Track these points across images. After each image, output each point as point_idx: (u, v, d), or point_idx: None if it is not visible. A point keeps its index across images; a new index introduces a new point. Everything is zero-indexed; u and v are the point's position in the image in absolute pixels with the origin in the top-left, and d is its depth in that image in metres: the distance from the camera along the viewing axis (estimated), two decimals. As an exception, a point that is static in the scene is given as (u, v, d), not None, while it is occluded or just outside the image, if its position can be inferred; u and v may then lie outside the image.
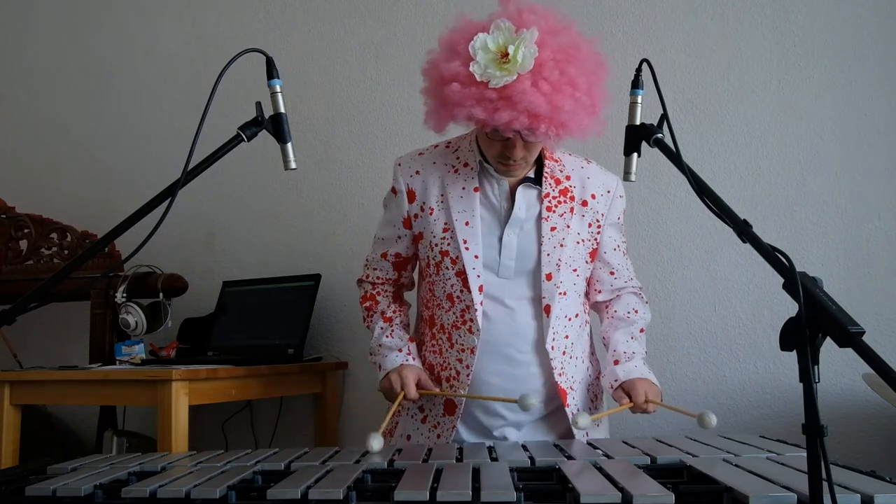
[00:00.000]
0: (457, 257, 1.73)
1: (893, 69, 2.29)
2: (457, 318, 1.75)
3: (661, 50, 2.48)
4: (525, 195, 1.75)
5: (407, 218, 1.82)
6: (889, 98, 2.29)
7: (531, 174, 1.76)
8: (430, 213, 1.77)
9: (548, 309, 1.72)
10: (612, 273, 1.86)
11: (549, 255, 1.73)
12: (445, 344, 1.77)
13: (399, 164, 1.84)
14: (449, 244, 1.74)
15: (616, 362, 1.78)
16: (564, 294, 1.75)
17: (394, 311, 1.88)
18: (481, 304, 1.72)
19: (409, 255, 1.88)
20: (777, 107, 2.38)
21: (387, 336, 1.82)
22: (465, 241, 1.73)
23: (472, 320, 1.72)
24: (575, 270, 1.77)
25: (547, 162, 1.78)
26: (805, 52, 2.37)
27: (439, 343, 1.79)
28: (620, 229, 1.87)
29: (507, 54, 1.52)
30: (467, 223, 1.74)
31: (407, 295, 2.00)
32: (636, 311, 1.86)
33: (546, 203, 1.75)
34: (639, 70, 1.40)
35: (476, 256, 1.72)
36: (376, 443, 1.48)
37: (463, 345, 1.74)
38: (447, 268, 1.75)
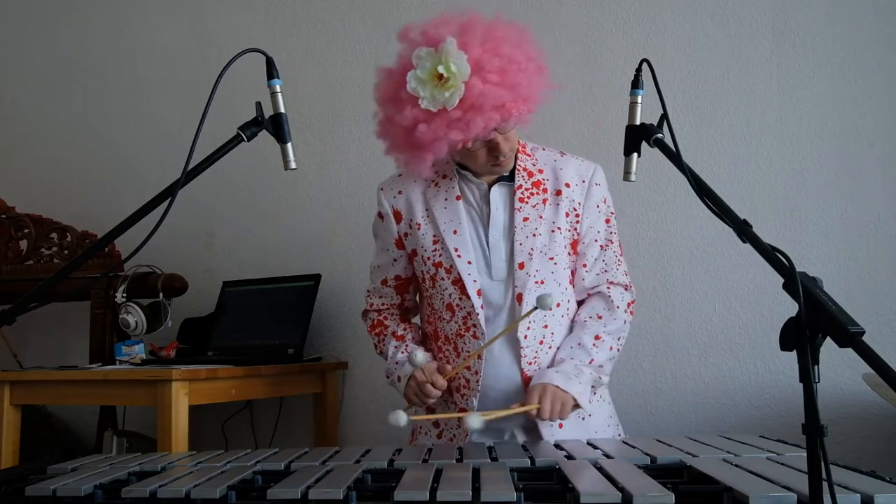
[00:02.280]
0: (451, 266, 1.75)
1: (893, 69, 2.29)
2: (459, 326, 1.75)
3: (661, 50, 2.48)
4: (500, 193, 1.76)
5: (398, 239, 1.84)
6: (889, 98, 2.29)
7: (505, 172, 1.77)
8: (418, 229, 1.79)
9: (520, 297, 1.72)
10: (584, 266, 1.81)
11: (521, 244, 1.73)
12: (452, 354, 1.78)
13: (381, 189, 1.87)
14: (441, 255, 1.76)
15: (549, 366, 1.75)
16: (542, 283, 1.74)
17: (404, 330, 1.89)
18: (482, 307, 1.73)
19: (409, 276, 1.88)
20: (777, 107, 2.38)
21: (401, 353, 1.82)
22: (455, 250, 1.74)
23: (475, 325, 1.73)
24: (552, 259, 1.75)
25: (520, 156, 1.79)
26: (805, 52, 2.37)
27: (446, 354, 1.79)
28: (602, 218, 1.81)
29: (441, 75, 1.55)
30: (455, 232, 1.75)
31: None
32: (598, 317, 1.78)
33: (518, 195, 1.76)
34: (639, 70, 1.40)
35: (469, 262, 1.74)
36: (477, 421, 1.49)
37: (469, 351, 1.74)
38: (442, 278, 1.76)
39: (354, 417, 2.78)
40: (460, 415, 1.65)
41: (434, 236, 1.77)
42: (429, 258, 1.78)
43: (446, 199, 1.78)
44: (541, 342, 1.75)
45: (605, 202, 1.82)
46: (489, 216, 1.75)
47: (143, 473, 1.34)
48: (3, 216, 3.08)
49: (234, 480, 1.22)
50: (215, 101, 1.32)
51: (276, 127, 1.39)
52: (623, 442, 1.53)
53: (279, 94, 1.39)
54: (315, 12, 2.96)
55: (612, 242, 1.83)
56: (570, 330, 1.81)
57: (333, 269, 2.78)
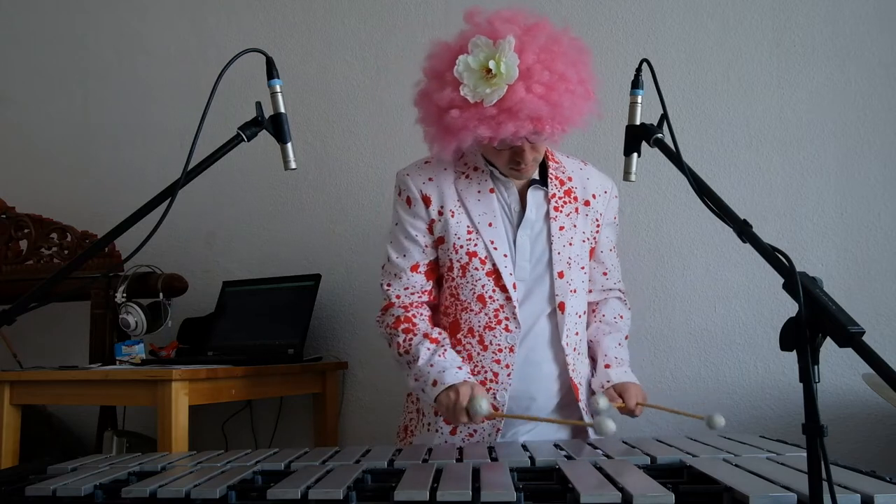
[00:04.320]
0: (486, 257, 1.74)
1: (893, 69, 2.29)
2: (490, 318, 1.74)
3: (661, 50, 2.48)
4: (534, 196, 1.77)
5: (430, 224, 1.78)
6: (889, 98, 2.28)
7: (536, 175, 1.78)
8: (452, 216, 1.76)
9: (562, 306, 1.75)
10: (604, 273, 1.91)
11: (559, 253, 1.75)
12: (477, 347, 1.75)
13: (407, 175, 1.81)
14: (476, 245, 1.74)
15: (607, 366, 1.83)
16: (575, 292, 1.78)
17: (439, 333, 1.76)
18: (518, 300, 1.73)
19: (437, 264, 1.81)
20: (777, 107, 2.38)
21: (439, 356, 1.69)
22: (492, 241, 1.74)
23: (508, 318, 1.73)
24: (583, 268, 1.82)
25: (549, 163, 1.80)
26: (805, 52, 2.36)
27: (468, 348, 1.76)
28: (615, 230, 1.93)
29: (490, 70, 1.54)
30: (490, 224, 1.75)
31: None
32: (621, 317, 1.92)
33: (553, 203, 1.77)
34: (639, 70, 1.40)
35: (505, 255, 1.74)
36: (485, 403, 1.54)
37: (500, 345, 1.74)
38: (476, 269, 1.74)
39: (354, 417, 2.78)
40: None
41: (468, 226, 1.75)
42: (462, 247, 1.75)
43: (479, 192, 1.77)
44: (575, 349, 1.79)
45: (619, 213, 1.93)
46: (519, 216, 1.76)
47: (143, 473, 1.34)
48: (3, 216, 3.07)
49: (234, 480, 1.22)
50: (215, 101, 1.32)
51: (276, 127, 1.39)
52: (623, 442, 1.53)
53: (279, 94, 1.40)
54: (315, 12, 2.95)
55: (617, 255, 1.95)
56: (588, 329, 1.91)
57: (333, 269, 2.78)
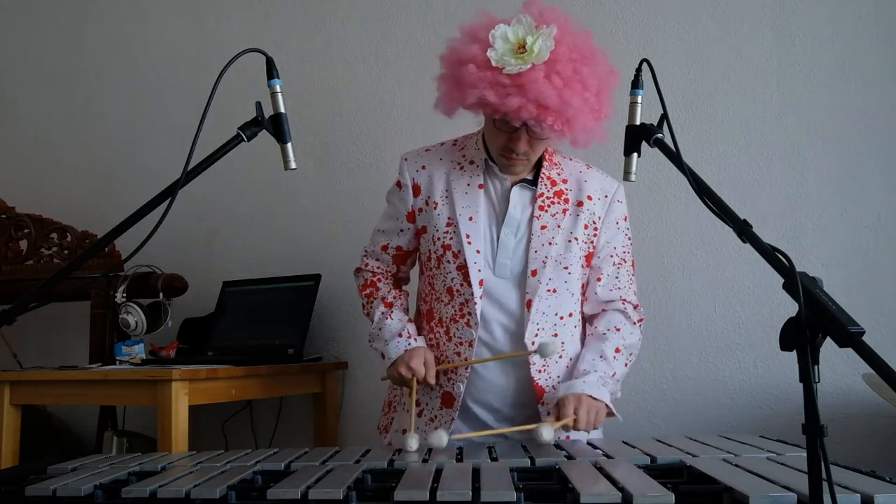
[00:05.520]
0: (458, 251, 1.75)
1: (893, 69, 2.29)
2: (456, 311, 1.76)
3: (661, 50, 2.48)
4: (520, 195, 1.77)
5: (411, 212, 1.84)
6: (889, 98, 2.28)
7: (529, 176, 1.77)
8: (434, 208, 1.79)
9: (529, 304, 1.73)
10: (598, 279, 1.81)
11: (536, 252, 1.74)
12: (443, 337, 1.79)
13: (405, 160, 1.86)
14: (451, 238, 1.76)
15: (568, 380, 1.74)
16: (554, 291, 1.75)
17: (394, 297, 1.89)
18: (481, 297, 1.73)
19: (410, 250, 1.90)
20: (777, 107, 2.38)
21: (388, 319, 1.83)
22: (467, 236, 1.75)
23: (470, 314, 1.74)
24: (567, 269, 1.76)
25: (545, 164, 1.79)
26: (805, 52, 2.37)
27: (437, 336, 1.80)
28: (620, 237, 1.82)
29: (524, 46, 1.57)
30: (471, 218, 1.75)
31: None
32: (617, 329, 1.78)
33: (539, 203, 1.76)
34: (639, 70, 1.40)
35: (478, 251, 1.74)
36: (414, 442, 1.49)
37: (461, 338, 1.75)
38: (448, 261, 1.76)
39: (354, 417, 2.78)
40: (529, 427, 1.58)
41: (449, 218, 1.77)
42: (439, 239, 1.78)
43: (468, 185, 1.78)
44: None
45: (624, 220, 1.84)
46: (506, 213, 1.76)
47: (143, 473, 1.34)
48: (3, 216, 3.07)
49: (234, 480, 1.22)
50: (215, 101, 1.32)
51: (276, 127, 1.39)
52: (623, 442, 1.53)
53: (279, 94, 1.40)
54: (315, 12, 2.96)
55: (625, 262, 1.84)
56: (582, 341, 1.83)
57: (333, 269, 2.78)
